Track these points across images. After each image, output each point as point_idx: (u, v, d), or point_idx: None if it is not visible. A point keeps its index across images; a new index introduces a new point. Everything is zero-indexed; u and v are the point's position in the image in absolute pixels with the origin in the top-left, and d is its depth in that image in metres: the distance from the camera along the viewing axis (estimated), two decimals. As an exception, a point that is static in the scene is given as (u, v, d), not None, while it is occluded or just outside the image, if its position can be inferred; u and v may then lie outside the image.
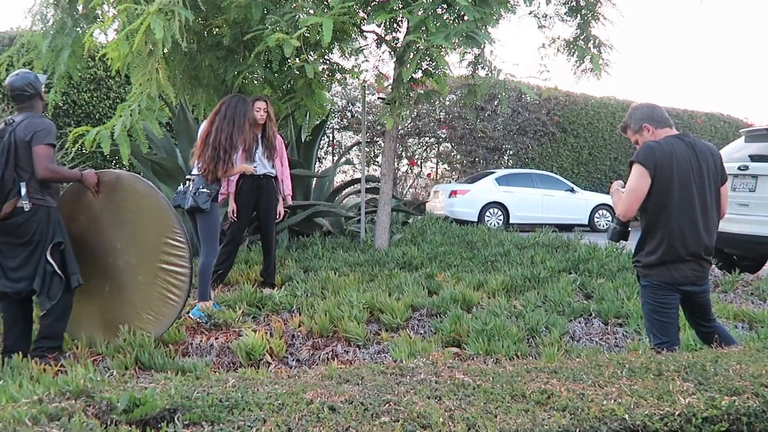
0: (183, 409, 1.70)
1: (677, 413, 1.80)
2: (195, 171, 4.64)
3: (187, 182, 4.61)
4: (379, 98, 14.11)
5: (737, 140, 7.19)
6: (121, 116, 5.66)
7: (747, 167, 6.53)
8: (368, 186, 8.36)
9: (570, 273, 5.92)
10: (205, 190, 4.49)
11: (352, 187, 9.43)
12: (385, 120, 6.20)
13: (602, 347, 3.94)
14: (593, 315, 4.57)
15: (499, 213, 12.83)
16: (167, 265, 3.73)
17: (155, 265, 3.75)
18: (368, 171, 15.11)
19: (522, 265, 6.11)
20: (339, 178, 14.24)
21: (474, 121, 15.68)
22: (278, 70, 6.06)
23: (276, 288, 5.28)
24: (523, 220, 12.97)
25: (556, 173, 15.43)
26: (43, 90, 3.67)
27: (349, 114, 15.33)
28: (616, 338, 4.16)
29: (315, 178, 8.65)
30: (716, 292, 5.58)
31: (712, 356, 2.42)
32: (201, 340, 3.93)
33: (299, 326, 4.20)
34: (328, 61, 6.99)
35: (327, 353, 3.82)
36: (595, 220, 13.64)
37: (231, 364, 3.63)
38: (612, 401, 1.86)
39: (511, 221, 12.74)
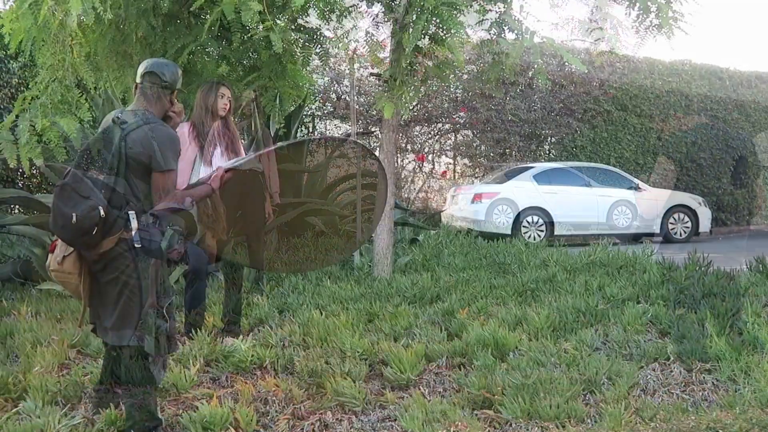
0: None
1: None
2: None
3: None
4: (371, 74, 14.15)
5: None
6: (23, 109, 5.65)
7: None
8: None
9: (638, 302, 5.91)
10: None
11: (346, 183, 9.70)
12: (383, 106, 6.20)
13: (685, 403, 3.93)
14: (671, 359, 4.57)
15: (540, 222, 12.85)
16: None
17: None
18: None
19: (573, 293, 6.11)
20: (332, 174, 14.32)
21: (502, 100, 15.69)
22: (240, 44, 6.07)
23: (241, 337, 5.27)
24: (573, 230, 12.99)
25: (614, 166, 15.46)
26: None
27: (333, 96, 15.38)
28: (704, 390, 4.15)
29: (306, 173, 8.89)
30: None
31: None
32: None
33: (274, 388, 4.19)
34: (302, 28, 6.99)
35: (312, 424, 3.80)
36: (670, 226, 13.65)
37: (183, 444, 3.62)
38: (701, 484, 1.84)
39: (556, 232, 12.76)
